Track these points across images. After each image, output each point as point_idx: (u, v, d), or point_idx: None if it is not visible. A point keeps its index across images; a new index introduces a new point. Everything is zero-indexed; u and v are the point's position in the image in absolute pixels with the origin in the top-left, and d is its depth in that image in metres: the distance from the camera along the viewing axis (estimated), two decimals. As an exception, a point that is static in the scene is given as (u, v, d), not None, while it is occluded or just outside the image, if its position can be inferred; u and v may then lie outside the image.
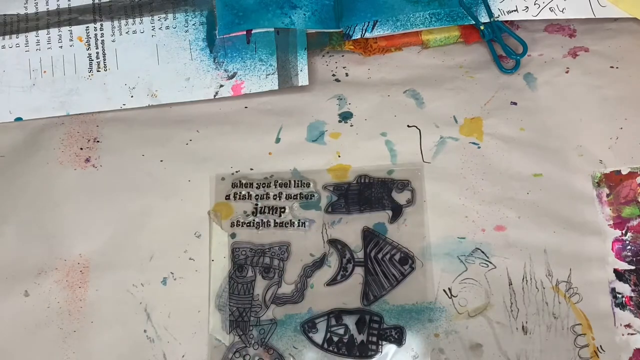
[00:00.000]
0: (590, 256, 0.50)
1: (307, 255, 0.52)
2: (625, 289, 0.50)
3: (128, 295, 0.51)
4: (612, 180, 0.52)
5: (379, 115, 0.55)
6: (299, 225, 0.52)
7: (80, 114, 0.57)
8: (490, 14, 0.56)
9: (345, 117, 0.56)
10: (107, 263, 0.52)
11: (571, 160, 0.53)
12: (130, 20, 0.58)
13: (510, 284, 0.50)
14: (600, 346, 0.49)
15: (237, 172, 0.54)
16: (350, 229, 0.52)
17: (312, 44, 0.58)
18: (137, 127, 0.56)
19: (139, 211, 0.53)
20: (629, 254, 0.50)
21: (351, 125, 0.55)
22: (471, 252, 0.51)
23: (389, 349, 0.50)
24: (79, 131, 0.56)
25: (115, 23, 0.58)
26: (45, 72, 0.57)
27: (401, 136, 0.54)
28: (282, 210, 0.53)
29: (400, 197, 0.53)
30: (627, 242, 0.51)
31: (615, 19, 0.58)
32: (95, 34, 0.58)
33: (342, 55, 0.58)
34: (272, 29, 0.56)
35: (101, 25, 0.58)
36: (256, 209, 0.53)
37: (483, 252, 0.51)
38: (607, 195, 0.52)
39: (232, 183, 0.54)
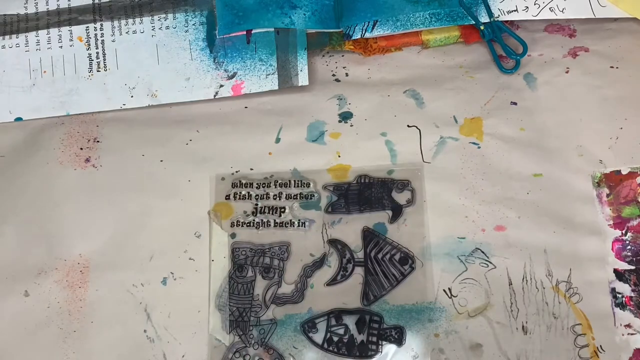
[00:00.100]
0: (590, 256, 0.50)
1: (307, 255, 0.52)
2: (625, 289, 0.50)
3: (128, 295, 0.51)
4: (612, 180, 0.52)
5: (379, 115, 0.55)
6: (299, 225, 0.52)
7: (80, 114, 0.57)
8: (490, 14, 0.56)
9: (345, 117, 0.56)
10: (107, 263, 0.52)
11: (571, 160, 0.53)
12: (130, 20, 0.58)
13: (510, 284, 0.50)
14: (600, 346, 0.49)
15: (237, 172, 0.54)
16: (350, 229, 0.52)
17: (312, 44, 0.58)
18: (137, 127, 0.56)
19: (139, 211, 0.53)
20: (629, 254, 0.50)
21: (351, 125, 0.55)
22: (471, 252, 0.51)
23: (389, 349, 0.50)
24: (79, 131, 0.56)
25: (115, 23, 0.58)
26: (45, 72, 0.57)
27: (401, 136, 0.54)
28: (282, 210, 0.53)
29: (400, 197, 0.53)
30: (627, 242, 0.51)
31: (615, 19, 0.58)
32: (95, 34, 0.58)
33: (342, 55, 0.58)
34: (272, 29, 0.56)
35: (101, 25, 0.58)
36: (256, 209, 0.53)
37: (483, 252, 0.51)
38: (607, 195, 0.52)
39: (232, 183, 0.54)
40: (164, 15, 0.58)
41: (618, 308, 0.49)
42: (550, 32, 0.58)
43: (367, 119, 0.55)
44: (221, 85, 0.56)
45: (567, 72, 0.56)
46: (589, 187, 0.52)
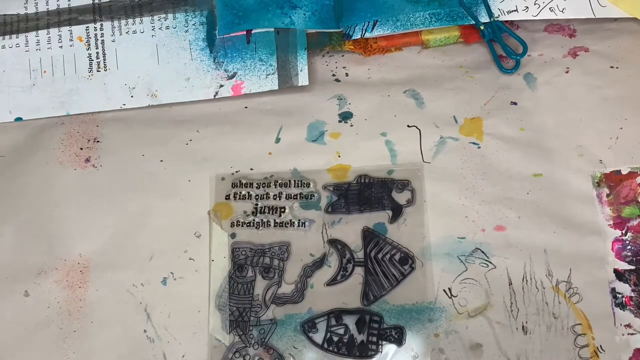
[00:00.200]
0: (590, 256, 0.50)
1: (307, 255, 0.52)
2: (625, 289, 0.50)
3: (128, 295, 0.51)
4: (612, 180, 0.52)
5: (379, 115, 0.55)
6: (299, 225, 0.52)
7: (80, 114, 0.57)
8: (490, 14, 0.56)
9: (345, 117, 0.56)
10: (107, 263, 0.52)
11: (571, 160, 0.53)
12: (130, 20, 0.58)
13: (510, 284, 0.50)
14: (600, 346, 0.49)
15: (237, 172, 0.54)
16: (350, 229, 0.52)
17: (312, 44, 0.58)
18: (137, 127, 0.56)
19: (139, 211, 0.53)
20: (629, 254, 0.50)
21: (351, 125, 0.55)
22: (471, 252, 0.51)
23: (389, 349, 0.50)
24: (79, 131, 0.56)
25: (115, 23, 0.58)
26: (45, 72, 0.57)
27: (401, 136, 0.54)
28: (282, 210, 0.53)
29: (400, 197, 0.53)
30: (627, 242, 0.51)
31: (615, 19, 0.58)
32: (95, 34, 0.58)
33: (342, 55, 0.58)
34: (272, 29, 0.56)
35: (101, 25, 0.58)
36: (256, 209, 0.53)
37: (483, 252, 0.51)
38: (607, 195, 0.52)
39: (232, 183, 0.54)
40: (164, 15, 0.58)
41: (618, 308, 0.49)
42: (550, 32, 0.58)
43: (367, 119, 0.55)
44: (221, 85, 0.56)
45: (567, 72, 0.56)
46: (589, 187, 0.52)
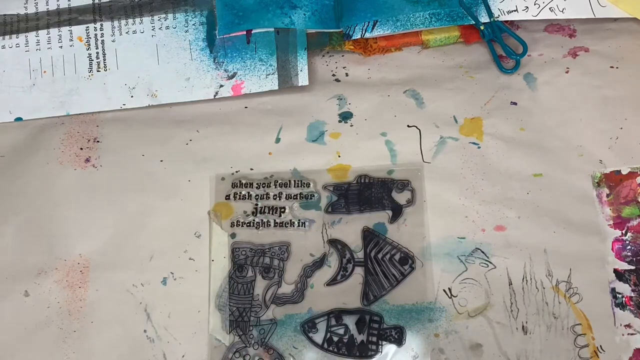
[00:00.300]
0: (590, 256, 0.50)
1: (307, 255, 0.52)
2: (625, 289, 0.50)
3: (128, 295, 0.51)
4: (612, 180, 0.52)
5: (379, 115, 0.55)
6: (299, 225, 0.52)
7: (80, 114, 0.57)
8: (490, 14, 0.56)
9: (345, 117, 0.56)
10: (107, 263, 0.52)
11: (571, 160, 0.53)
12: (130, 20, 0.58)
13: (510, 284, 0.50)
14: (600, 346, 0.49)
15: (237, 172, 0.54)
16: (350, 229, 0.52)
17: (312, 44, 0.58)
18: (137, 127, 0.56)
19: (139, 211, 0.53)
20: (629, 254, 0.50)
21: (351, 125, 0.55)
22: (471, 252, 0.51)
23: (389, 349, 0.50)
24: (79, 131, 0.56)
25: (115, 23, 0.58)
26: (45, 72, 0.57)
27: (401, 136, 0.54)
28: (282, 210, 0.53)
29: (400, 197, 0.53)
30: (627, 242, 0.51)
31: (615, 19, 0.58)
32: (95, 34, 0.58)
33: (342, 55, 0.58)
34: (272, 29, 0.56)
35: (101, 25, 0.58)
36: (256, 209, 0.53)
37: (483, 252, 0.51)
38: (607, 195, 0.52)
39: (232, 183, 0.54)
40: (164, 15, 0.58)
41: (618, 308, 0.49)
42: (550, 32, 0.58)
43: (367, 119, 0.55)
44: (221, 85, 0.56)
45: (567, 72, 0.56)
46: (589, 187, 0.52)
